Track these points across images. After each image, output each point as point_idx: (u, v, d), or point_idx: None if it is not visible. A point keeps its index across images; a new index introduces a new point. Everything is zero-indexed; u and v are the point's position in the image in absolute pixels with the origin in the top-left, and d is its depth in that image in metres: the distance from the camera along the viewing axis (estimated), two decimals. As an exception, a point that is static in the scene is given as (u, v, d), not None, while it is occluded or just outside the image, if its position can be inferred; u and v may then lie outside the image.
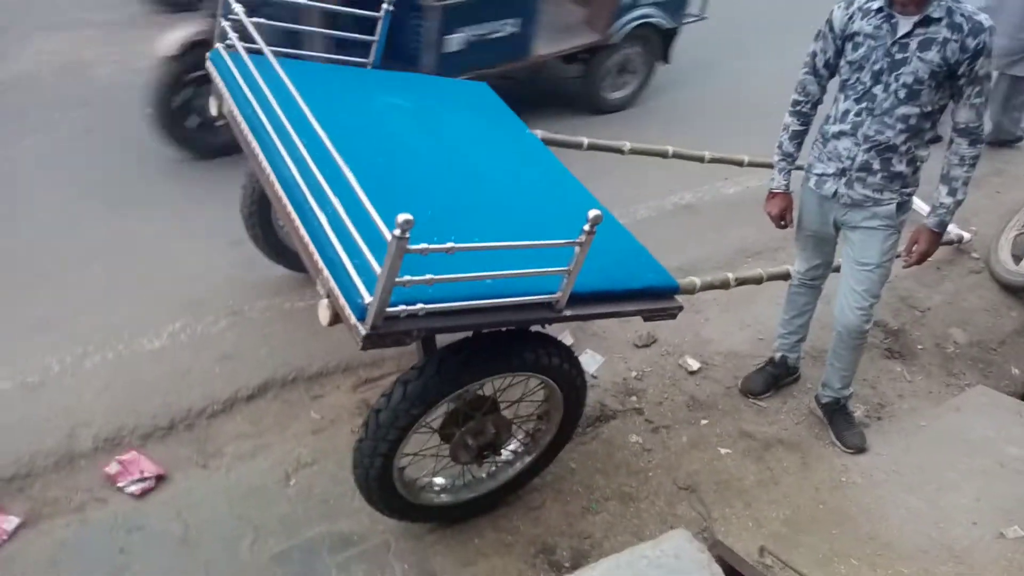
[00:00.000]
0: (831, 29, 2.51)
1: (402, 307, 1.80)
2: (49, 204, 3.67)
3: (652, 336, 3.42)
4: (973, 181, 2.59)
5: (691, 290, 2.71)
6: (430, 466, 2.46)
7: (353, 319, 1.82)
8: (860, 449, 2.95)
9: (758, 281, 3.07)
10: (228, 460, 2.71)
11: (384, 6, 2.80)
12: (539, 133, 3.09)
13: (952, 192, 2.53)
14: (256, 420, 2.86)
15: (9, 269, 3.29)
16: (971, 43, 2.30)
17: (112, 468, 2.56)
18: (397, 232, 1.61)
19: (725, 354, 3.42)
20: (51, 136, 4.17)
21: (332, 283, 1.91)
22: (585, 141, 3.41)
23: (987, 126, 2.49)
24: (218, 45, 2.61)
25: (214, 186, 3.84)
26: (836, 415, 3.03)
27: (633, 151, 3.62)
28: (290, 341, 3.15)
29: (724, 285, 2.90)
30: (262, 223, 3.10)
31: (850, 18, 2.46)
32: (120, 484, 2.53)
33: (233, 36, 2.49)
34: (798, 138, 2.73)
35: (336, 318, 1.92)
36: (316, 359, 3.09)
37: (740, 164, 4.15)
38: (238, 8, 2.44)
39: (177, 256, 3.47)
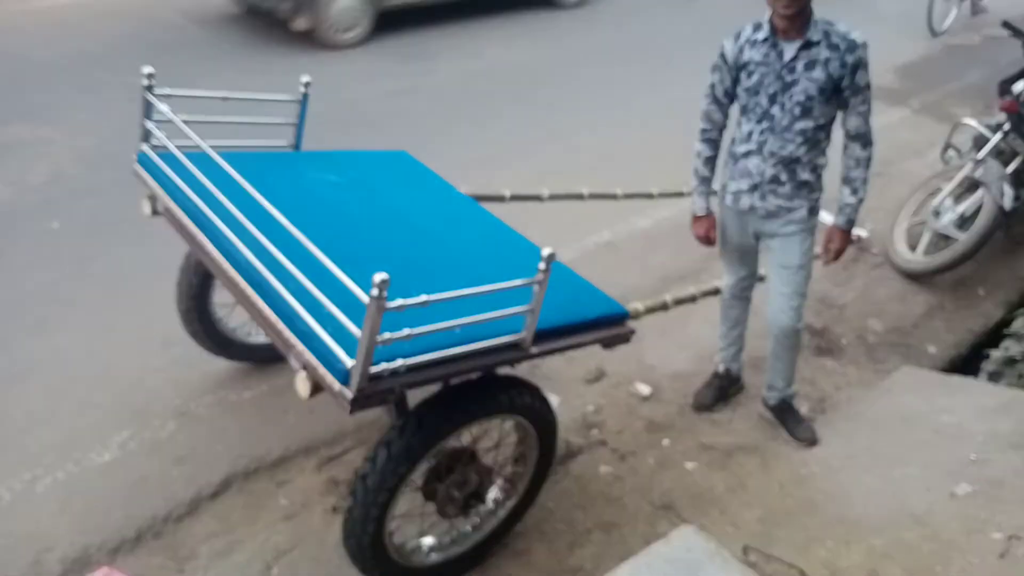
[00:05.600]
0: (725, 61, 2.74)
1: (384, 365, 1.84)
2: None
3: (600, 370, 3.53)
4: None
5: (636, 315, 2.84)
6: (415, 529, 2.46)
7: (337, 385, 1.85)
8: (812, 441, 3.12)
9: (693, 299, 3.25)
10: (203, 561, 2.62)
11: (301, 89, 2.89)
12: (464, 189, 3.20)
13: (854, 191, 2.78)
14: (224, 517, 2.79)
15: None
16: (849, 59, 2.57)
17: (84, 589, 2.44)
18: (375, 292, 1.68)
19: (671, 376, 3.57)
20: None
21: (308, 355, 1.94)
22: (507, 193, 3.55)
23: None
24: (143, 146, 2.63)
25: (137, 292, 3.77)
26: (785, 414, 3.20)
27: (552, 197, 3.79)
28: (244, 432, 3.10)
29: (664, 307, 3.05)
30: (201, 318, 3.07)
31: (740, 50, 2.69)
32: (95, 604, 2.41)
33: (160, 135, 2.52)
34: (711, 163, 2.94)
35: (317, 388, 1.95)
36: (274, 446, 3.04)
37: (651, 197, 4.37)
38: (164, 108, 2.47)
39: (111, 366, 3.36)
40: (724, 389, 3.38)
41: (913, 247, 4.46)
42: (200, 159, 2.32)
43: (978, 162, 4.34)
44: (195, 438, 3.06)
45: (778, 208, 2.81)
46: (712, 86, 2.82)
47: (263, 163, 2.79)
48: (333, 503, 2.81)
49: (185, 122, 2.45)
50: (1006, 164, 4.39)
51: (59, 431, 3.01)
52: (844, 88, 2.63)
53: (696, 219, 3.01)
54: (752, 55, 2.67)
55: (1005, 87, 5.00)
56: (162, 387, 3.29)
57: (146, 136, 2.62)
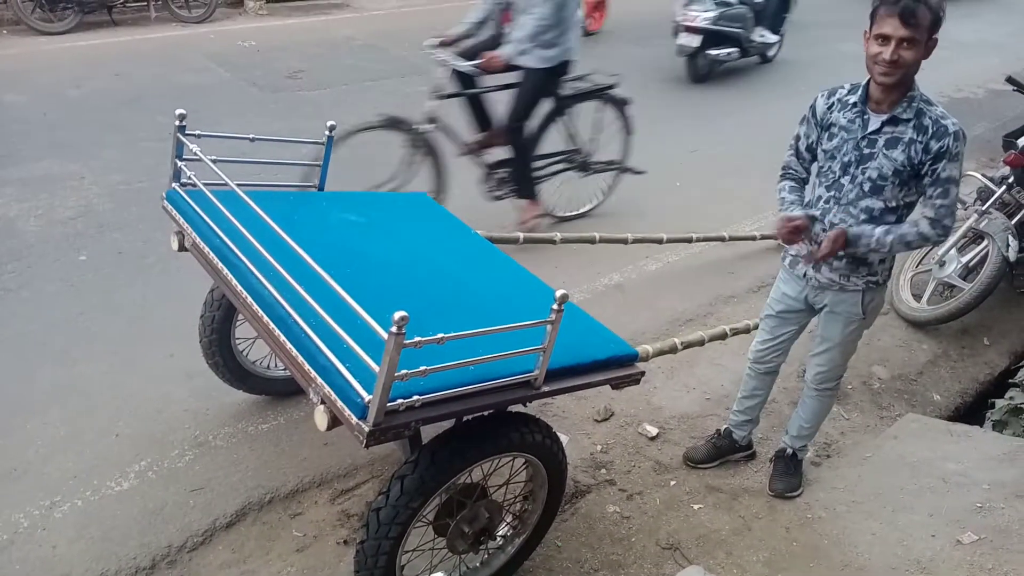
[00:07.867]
0: (813, 115, 2.62)
1: (400, 401, 1.91)
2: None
3: (609, 410, 3.59)
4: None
5: (646, 357, 2.90)
6: (425, 563, 2.51)
7: (354, 419, 1.92)
8: (780, 494, 3.11)
9: (701, 343, 3.31)
10: (216, 591, 2.68)
11: (326, 133, 3.01)
12: (481, 232, 3.30)
13: (886, 232, 2.50)
14: (238, 547, 2.84)
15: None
16: (934, 145, 2.38)
17: (99, 616, 2.49)
18: (394, 329, 1.75)
19: (679, 417, 3.62)
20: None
21: (327, 388, 2.01)
22: (521, 236, 3.66)
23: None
24: (174, 185, 2.74)
25: (159, 324, 3.87)
26: (778, 461, 3.19)
27: (564, 240, 3.89)
28: (260, 464, 3.16)
29: (673, 350, 3.11)
30: (222, 351, 3.16)
31: (829, 108, 2.57)
32: (110, 631, 2.46)
33: (191, 174, 2.64)
34: (797, 190, 2.74)
35: (334, 422, 2.02)
36: (289, 478, 3.10)
37: (660, 242, 4.47)
38: (195, 148, 2.59)
39: (133, 396, 3.45)
40: (720, 449, 3.29)
41: (918, 296, 4.53)
42: (227, 197, 2.43)
43: (983, 214, 4.42)
44: (212, 468, 3.12)
45: (830, 282, 2.69)
46: (797, 137, 2.70)
47: (288, 202, 2.90)
48: (345, 536, 2.87)
49: (214, 161, 2.56)
50: (1011, 216, 4.49)
51: (79, 459, 3.08)
52: (923, 175, 2.45)
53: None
54: (838, 117, 2.54)
55: (1010, 141, 5.12)
56: (181, 418, 3.36)
57: (177, 175, 2.74)
